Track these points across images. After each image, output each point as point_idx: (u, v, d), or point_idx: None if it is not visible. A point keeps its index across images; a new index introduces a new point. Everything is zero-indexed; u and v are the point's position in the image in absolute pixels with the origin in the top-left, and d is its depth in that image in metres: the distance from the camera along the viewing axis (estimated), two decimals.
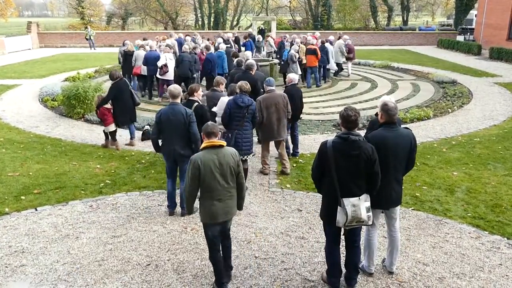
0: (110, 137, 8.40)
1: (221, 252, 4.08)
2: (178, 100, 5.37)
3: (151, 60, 12.02)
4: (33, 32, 29.04)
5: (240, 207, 4.13)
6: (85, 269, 4.45)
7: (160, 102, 12.20)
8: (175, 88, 5.38)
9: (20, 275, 4.36)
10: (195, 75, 12.22)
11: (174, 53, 12.76)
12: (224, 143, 3.92)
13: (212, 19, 37.73)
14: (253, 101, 6.20)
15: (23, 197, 6.13)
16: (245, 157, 6.30)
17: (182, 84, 11.62)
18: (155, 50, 12.50)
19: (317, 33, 16.53)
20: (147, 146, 8.43)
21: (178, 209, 5.68)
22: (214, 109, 6.53)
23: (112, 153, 8.03)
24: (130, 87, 8.34)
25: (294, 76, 7.57)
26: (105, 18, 41.64)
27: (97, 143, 8.64)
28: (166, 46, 12.83)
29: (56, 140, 8.87)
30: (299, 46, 13.91)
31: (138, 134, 8.93)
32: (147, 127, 9.16)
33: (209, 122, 4.07)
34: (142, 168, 7.25)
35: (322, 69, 14.73)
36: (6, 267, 4.50)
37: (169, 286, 4.18)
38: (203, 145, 3.88)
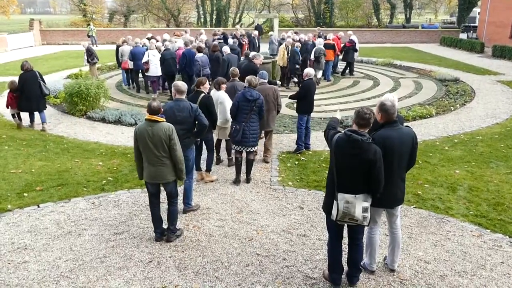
0: (17, 117, 9.60)
1: (161, 211, 5.00)
2: (184, 96, 5.41)
3: (136, 56, 12.57)
4: (36, 29, 29.04)
5: (179, 178, 4.88)
6: (88, 266, 4.47)
7: (156, 99, 12.37)
8: (182, 84, 5.46)
9: (23, 271, 4.38)
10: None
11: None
12: (160, 119, 4.63)
13: (214, 17, 37.69)
14: (260, 95, 6.46)
15: (25, 194, 6.15)
16: (252, 148, 6.56)
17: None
18: (141, 46, 13.07)
19: (341, 33, 16.64)
20: None
21: (181, 206, 5.69)
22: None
23: (114, 150, 8.05)
24: (38, 78, 9.27)
25: (310, 71, 7.79)
26: (107, 16, 41.57)
27: (100, 140, 8.67)
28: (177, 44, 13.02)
29: (59, 137, 8.90)
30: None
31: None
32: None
33: (155, 102, 4.68)
34: None
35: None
36: (9, 263, 4.52)
37: (171, 283, 4.20)
38: (145, 117, 4.67)
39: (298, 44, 13.77)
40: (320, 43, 14.07)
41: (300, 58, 13.30)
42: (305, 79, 7.73)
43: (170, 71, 12.01)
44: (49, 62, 20.07)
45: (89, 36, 27.91)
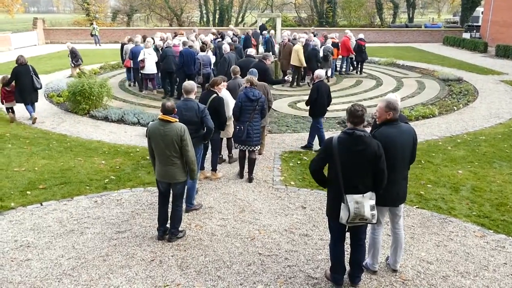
0: (11, 111, 9.96)
1: (169, 211, 4.98)
2: (192, 96, 5.41)
3: (136, 54, 12.69)
4: (39, 28, 29.15)
5: (191, 177, 4.94)
6: (90, 264, 4.48)
7: (155, 95, 12.90)
8: (189, 84, 5.45)
9: (26, 269, 4.40)
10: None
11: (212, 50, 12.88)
12: (173, 119, 4.62)
13: (217, 16, 37.71)
14: (262, 94, 6.49)
15: (28, 192, 6.17)
16: (255, 147, 6.56)
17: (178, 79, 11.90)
18: (140, 45, 13.19)
19: (349, 32, 16.60)
20: None
21: (184, 205, 5.68)
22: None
23: (117, 149, 8.07)
24: (31, 72, 9.64)
25: (321, 73, 7.83)
26: (110, 15, 41.66)
27: (102, 139, 8.69)
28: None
29: (62, 136, 8.92)
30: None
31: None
32: (151, 123, 9.20)
33: (169, 102, 4.70)
34: (147, 164, 7.27)
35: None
36: (12, 261, 4.53)
37: (173, 281, 4.20)
38: (158, 117, 4.68)
39: (315, 42, 13.88)
40: (329, 42, 14.23)
41: (321, 56, 13.54)
42: (315, 81, 7.76)
43: (169, 68, 12.07)
44: (52, 61, 20.12)
45: (92, 35, 27.97)
